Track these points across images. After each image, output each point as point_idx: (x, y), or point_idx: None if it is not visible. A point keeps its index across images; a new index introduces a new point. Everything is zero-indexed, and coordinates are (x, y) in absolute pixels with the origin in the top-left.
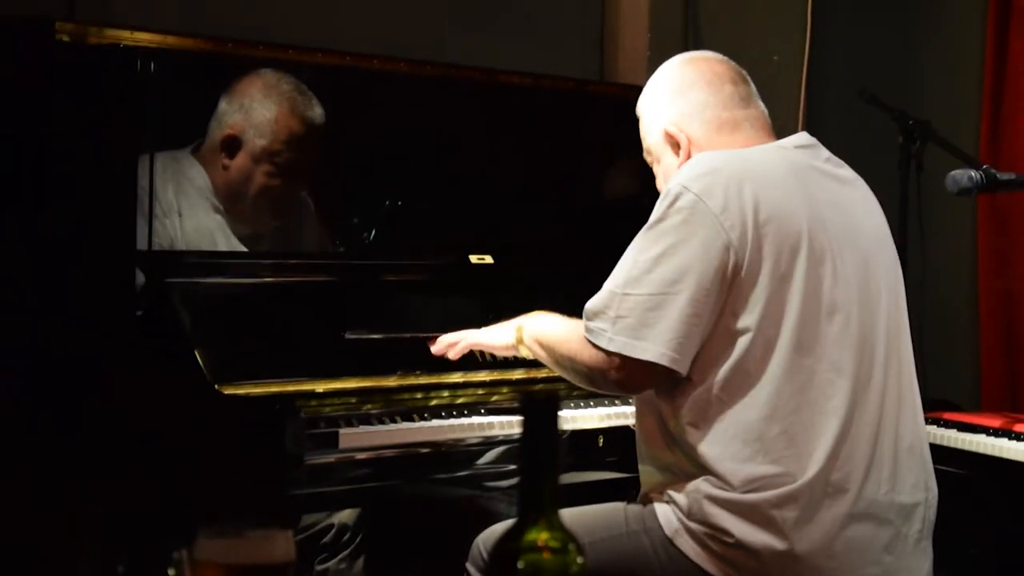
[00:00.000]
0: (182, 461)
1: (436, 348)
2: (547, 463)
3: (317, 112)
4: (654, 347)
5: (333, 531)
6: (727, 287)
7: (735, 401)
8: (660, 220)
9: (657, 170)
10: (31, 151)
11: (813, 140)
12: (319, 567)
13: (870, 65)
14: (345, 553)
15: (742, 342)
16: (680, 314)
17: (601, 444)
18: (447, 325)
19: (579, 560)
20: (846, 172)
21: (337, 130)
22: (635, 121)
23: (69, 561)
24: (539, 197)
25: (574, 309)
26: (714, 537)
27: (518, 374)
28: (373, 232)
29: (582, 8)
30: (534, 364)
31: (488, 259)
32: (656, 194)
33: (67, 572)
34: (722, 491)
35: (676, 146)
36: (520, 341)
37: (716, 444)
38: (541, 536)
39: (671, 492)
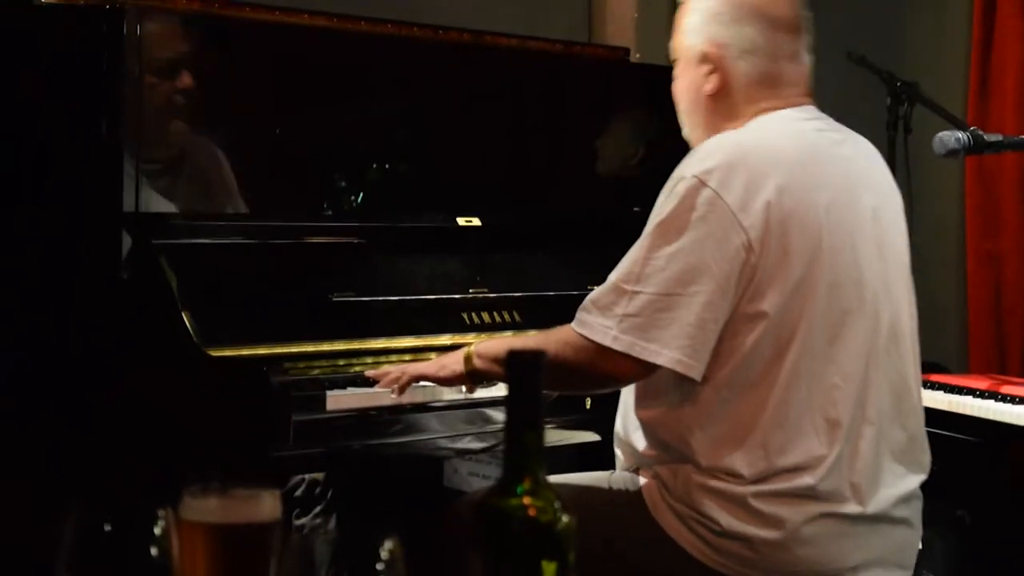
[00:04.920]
0: (169, 422)
1: (381, 383)
2: (532, 420)
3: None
4: (667, 351)
5: (304, 485)
6: (743, 288)
7: (739, 403)
8: (675, 216)
9: (676, 75)
10: (15, 113)
11: (820, 114)
12: (296, 522)
13: (859, 27)
14: (319, 508)
15: (753, 344)
16: (696, 317)
17: (588, 407)
18: (434, 287)
19: (564, 518)
20: (854, 142)
21: (325, 93)
22: (623, 82)
23: (55, 520)
24: (526, 159)
25: (560, 271)
26: (698, 520)
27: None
28: (360, 194)
29: None
30: (522, 328)
31: (476, 221)
32: (643, 153)
33: (52, 531)
34: (713, 480)
35: (707, 72)
36: (472, 368)
37: (714, 443)
38: (526, 494)
39: (657, 469)
